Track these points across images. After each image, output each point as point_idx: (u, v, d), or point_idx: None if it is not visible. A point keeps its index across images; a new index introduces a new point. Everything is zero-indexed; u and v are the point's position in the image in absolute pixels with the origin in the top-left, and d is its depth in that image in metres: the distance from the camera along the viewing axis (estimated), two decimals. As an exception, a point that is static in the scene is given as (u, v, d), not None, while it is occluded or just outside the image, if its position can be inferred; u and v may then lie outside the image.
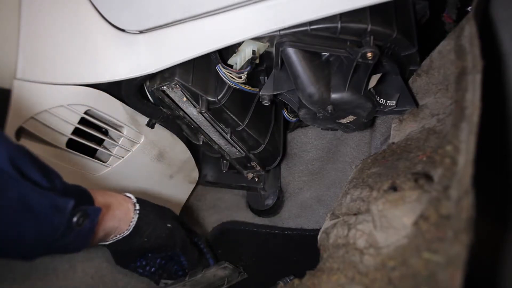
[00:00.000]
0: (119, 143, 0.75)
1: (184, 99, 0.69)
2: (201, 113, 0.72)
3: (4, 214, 0.42)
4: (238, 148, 0.85)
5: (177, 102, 0.71)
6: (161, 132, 0.84)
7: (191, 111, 0.73)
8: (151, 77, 0.68)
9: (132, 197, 0.66)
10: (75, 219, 0.49)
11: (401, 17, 0.64)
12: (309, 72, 0.63)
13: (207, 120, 0.76)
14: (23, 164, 0.45)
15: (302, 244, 0.97)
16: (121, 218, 0.61)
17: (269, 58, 0.67)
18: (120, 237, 0.62)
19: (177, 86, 0.66)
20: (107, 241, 0.62)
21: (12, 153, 0.44)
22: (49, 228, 0.47)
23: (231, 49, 0.65)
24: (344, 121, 0.74)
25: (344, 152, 1.06)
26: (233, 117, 0.76)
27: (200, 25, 0.58)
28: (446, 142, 0.48)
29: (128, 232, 0.62)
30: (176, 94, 0.68)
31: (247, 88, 0.71)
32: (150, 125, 0.79)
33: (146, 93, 0.74)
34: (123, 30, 0.61)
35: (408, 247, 0.43)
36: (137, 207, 0.64)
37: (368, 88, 0.66)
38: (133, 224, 0.62)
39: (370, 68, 0.61)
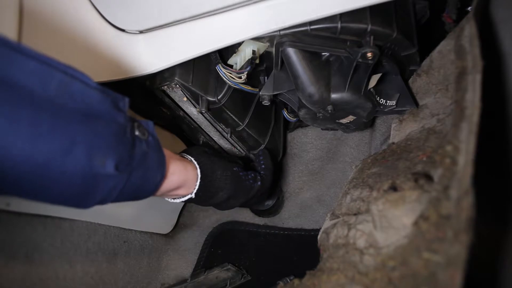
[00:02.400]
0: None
1: (185, 99, 0.69)
2: (201, 113, 0.72)
3: (76, 119, 0.38)
4: (238, 148, 0.85)
5: (177, 102, 0.71)
6: (161, 132, 0.84)
7: (191, 111, 0.73)
8: (151, 77, 0.68)
9: (190, 158, 0.61)
10: (137, 132, 0.45)
11: (401, 17, 0.64)
12: (309, 72, 0.63)
13: (207, 120, 0.76)
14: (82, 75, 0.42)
15: (302, 244, 0.98)
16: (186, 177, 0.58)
17: (269, 58, 0.67)
18: (189, 197, 0.60)
19: (177, 86, 0.66)
20: (175, 199, 0.60)
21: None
22: (117, 127, 0.42)
23: (231, 49, 0.65)
24: (344, 121, 0.74)
25: (344, 152, 1.06)
26: (233, 117, 0.76)
27: (200, 25, 0.58)
28: (446, 142, 0.48)
29: (195, 191, 0.59)
30: (176, 94, 0.68)
31: (247, 88, 0.71)
32: (150, 125, 0.79)
33: (146, 93, 0.74)
34: (123, 30, 0.61)
35: (408, 247, 0.43)
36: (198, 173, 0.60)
37: (368, 88, 0.66)
38: (197, 186, 0.59)
39: (370, 68, 0.61)
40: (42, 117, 0.36)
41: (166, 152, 0.53)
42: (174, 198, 0.60)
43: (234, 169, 0.66)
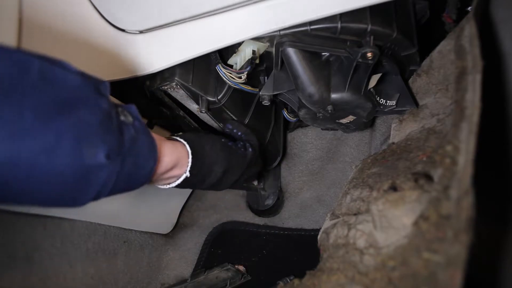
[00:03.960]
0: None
1: (185, 96, 0.69)
2: (201, 113, 0.72)
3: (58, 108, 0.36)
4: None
5: (180, 100, 0.71)
6: (161, 132, 0.84)
7: (194, 107, 0.73)
8: (151, 77, 0.68)
9: (177, 138, 0.59)
10: (122, 117, 0.43)
11: (401, 17, 0.64)
12: (309, 72, 0.63)
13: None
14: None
15: (302, 244, 0.98)
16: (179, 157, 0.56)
17: (269, 58, 0.67)
18: (181, 180, 0.57)
19: (178, 86, 0.66)
20: (170, 183, 0.58)
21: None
22: (102, 113, 0.40)
23: (231, 49, 0.65)
24: (344, 121, 0.74)
25: (344, 152, 1.06)
26: (233, 117, 0.76)
27: (200, 25, 0.58)
28: (446, 142, 0.48)
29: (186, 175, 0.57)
30: (178, 94, 0.69)
31: (247, 88, 0.71)
32: (150, 125, 0.79)
33: (146, 93, 0.74)
34: (123, 30, 0.61)
35: (408, 247, 0.43)
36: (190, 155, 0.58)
37: (368, 88, 0.66)
38: (189, 167, 0.57)
39: (370, 68, 0.61)
40: (22, 111, 0.33)
41: (154, 135, 0.51)
42: (169, 183, 0.58)
43: (222, 140, 0.64)
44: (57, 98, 0.36)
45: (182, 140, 0.58)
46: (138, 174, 0.46)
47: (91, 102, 0.40)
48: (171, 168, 0.55)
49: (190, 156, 0.57)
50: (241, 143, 0.69)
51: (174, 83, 0.65)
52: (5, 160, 0.32)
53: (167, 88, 0.67)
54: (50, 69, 0.37)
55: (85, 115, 0.38)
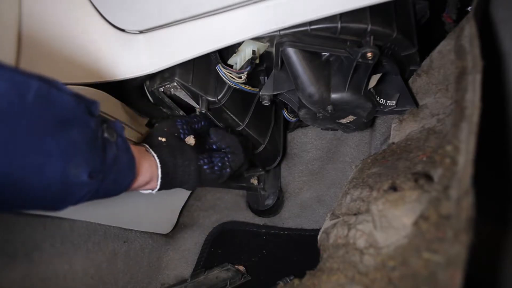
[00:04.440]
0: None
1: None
2: (201, 113, 0.72)
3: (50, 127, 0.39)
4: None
5: (183, 98, 0.71)
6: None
7: (195, 105, 0.73)
8: (151, 77, 0.68)
9: (153, 153, 0.60)
10: (106, 134, 0.46)
11: (401, 17, 0.64)
12: (309, 72, 0.63)
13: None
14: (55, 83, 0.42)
15: (302, 244, 0.98)
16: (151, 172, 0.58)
17: (269, 58, 0.67)
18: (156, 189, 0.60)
19: (178, 86, 0.66)
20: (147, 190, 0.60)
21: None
22: (90, 133, 0.43)
23: (231, 49, 0.65)
24: (344, 121, 0.74)
25: (344, 152, 1.06)
26: (233, 117, 0.76)
27: (200, 25, 0.58)
28: (446, 142, 0.48)
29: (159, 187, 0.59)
30: (181, 93, 0.69)
31: (247, 88, 0.71)
32: (150, 125, 0.79)
33: (146, 93, 0.74)
34: (123, 30, 0.61)
35: (408, 247, 0.43)
36: (159, 165, 0.59)
37: (368, 88, 0.66)
38: (159, 182, 0.59)
39: (370, 68, 0.61)
40: (17, 130, 0.36)
41: (134, 149, 0.54)
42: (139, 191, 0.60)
43: (199, 163, 0.64)
44: (51, 119, 0.39)
45: (156, 159, 0.59)
46: (115, 189, 0.50)
47: (82, 123, 0.43)
48: (144, 184, 0.57)
49: (160, 180, 0.58)
50: (220, 164, 0.67)
51: (174, 83, 0.65)
52: (1, 175, 0.36)
53: (167, 88, 0.67)
54: (47, 91, 0.39)
55: (75, 135, 0.41)
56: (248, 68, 0.65)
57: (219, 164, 0.67)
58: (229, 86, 0.71)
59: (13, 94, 0.36)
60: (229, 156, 0.69)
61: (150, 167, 0.57)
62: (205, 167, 0.65)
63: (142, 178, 0.55)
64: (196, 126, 0.70)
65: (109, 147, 0.46)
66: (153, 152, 0.59)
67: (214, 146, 0.72)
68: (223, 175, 0.68)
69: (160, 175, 0.58)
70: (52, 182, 0.39)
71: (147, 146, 0.60)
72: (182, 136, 0.65)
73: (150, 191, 0.60)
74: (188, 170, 0.62)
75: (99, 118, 0.46)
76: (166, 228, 1.05)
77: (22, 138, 0.37)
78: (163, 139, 0.62)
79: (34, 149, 0.38)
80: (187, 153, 0.63)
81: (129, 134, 0.75)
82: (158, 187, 0.59)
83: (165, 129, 0.65)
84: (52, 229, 0.71)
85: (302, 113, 0.73)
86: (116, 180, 0.48)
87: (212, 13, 0.57)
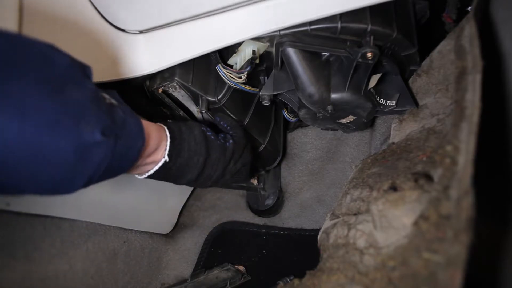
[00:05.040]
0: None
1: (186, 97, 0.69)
2: (201, 113, 0.72)
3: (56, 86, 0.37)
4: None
5: (181, 101, 0.71)
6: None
7: (194, 109, 0.73)
8: (151, 77, 0.68)
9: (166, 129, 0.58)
10: (108, 100, 0.44)
11: (401, 17, 0.64)
12: (309, 72, 0.63)
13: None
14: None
15: (302, 244, 0.98)
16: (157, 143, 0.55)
17: (269, 58, 0.67)
18: (159, 167, 0.56)
19: (178, 86, 0.66)
20: (149, 171, 0.57)
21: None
22: (92, 93, 0.41)
23: (231, 49, 0.65)
24: (344, 121, 0.74)
25: (344, 152, 1.06)
26: (233, 117, 0.76)
27: (200, 25, 0.58)
28: (446, 142, 0.48)
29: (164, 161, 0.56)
30: (180, 93, 0.69)
31: (247, 88, 0.71)
32: (150, 125, 0.79)
33: (146, 93, 0.74)
34: (123, 30, 0.61)
35: (408, 247, 0.43)
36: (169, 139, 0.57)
37: (368, 88, 0.66)
38: (167, 152, 0.56)
39: (370, 68, 0.61)
40: (26, 87, 0.34)
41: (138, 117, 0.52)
42: (148, 171, 0.57)
43: (202, 128, 0.63)
44: (53, 76, 0.38)
45: (162, 125, 0.58)
46: (128, 156, 0.47)
47: (80, 82, 0.41)
48: (153, 151, 0.55)
49: (169, 140, 0.56)
50: (222, 135, 0.67)
51: (174, 83, 0.65)
52: (13, 140, 0.33)
53: (167, 88, 0.67)
54: (46, 49, 0.39)
55: (77, 94, 0.39)
56: (248, 68, 0.65)
57: (222, 135, 0.66)
58: (229, 86, 0.71)
59: (16, 49, 0.35)
60: (231, 132, 0.69)
61: (158, 132, 0.55)
62: (208, 133, 0.63)
63: (151, 143, 0.53)
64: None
65: (115, 110, 0.44)
66: (165, 127, 0.58)
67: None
68: (228, 147, 0.65)
69: (168, 136, 0.56)
70: (66, 142, 0.36)
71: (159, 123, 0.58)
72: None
73: (156, 166, 0.56)
74: (193, 133, 0.61)
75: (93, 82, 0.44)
76: (166, 228, 1.05)
77: (32, 95, 0.34)
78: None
79: (44, 105, 0.35)
80: (189, 122, 0.63)
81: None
82: (167, 150, 0.56)
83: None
84: (52, 229, 0.71)
85: (302, 113, 0.73)
86: (127, 144, 0.46)
87: (212, 13, 0.57)
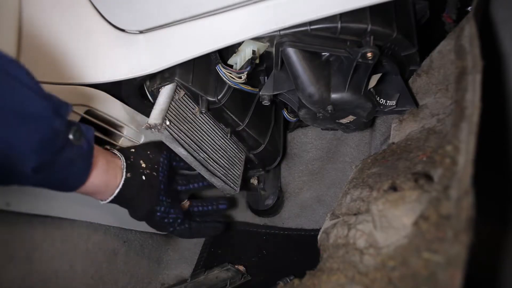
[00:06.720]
0: (119, 143, 0.75)
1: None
2: (201, 113, 0.72)
3: (4, 117, 0.40)
4: (240, 146, 0.85)
5: (168, 144, 0.70)
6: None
7: (180, 151, 0.70)
8: (151, 77, 0.68)
9: (122, 158, 0.62)
10: (70, 135, 0.47)
11: (401, 17, 0.64)
12: (309, 72, 0.63)
13: (207, 122, 0.75)
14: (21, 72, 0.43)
15: (302, 244, 0.98)
16: (110, 178, 0.59)
17: (269, 58, 0.67)
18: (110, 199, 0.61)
19: (178, 86, 0.66)
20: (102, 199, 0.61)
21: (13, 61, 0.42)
22: (50, 132, 0.44)
23: (231, 49, 0.65)
24: (344, 121, 0.74)
25: (344, 152, 1.06)
26: (233, 117, 0.76)
27: (200, 25, 0.58)
28: (446, 142, 0.48)
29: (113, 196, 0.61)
30: (179, 94, 0.69)
31: (247, 88, 0.71)
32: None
33: (146, 93, 0.74)
34: (123, 30, 0.61)
35: (408, 247, 0.43)
36: (124, 174, 0.61)
37: (368, 88, 0.66)
38: (117, 191, 0.60)
39: (370, 68, 0.61)
40: None
41: (101, 156, 0.56)
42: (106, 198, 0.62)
43: (156, 207, 0.67)
44: (9, 109, 0.40)
45: (122, 180, 0.61)
46: (63, 187, 0.52)
47: (42, 121, 0.43)
48: (94, 192, 0.58)
49: (114, 196, 0.60)
50: (173, 218, 0.70)
51: (174, 83, 0.65)
52: None
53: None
54: (12, 84, 0.40)
55: (31, 131, 0.42)
56: (248, 68, 0.65)
57: (173, 216, 0.70)
58: (229, 86, 0.71)
59: None
60: (181, 222, 0.72)
61: (108, 181, 0.58)
62: (158, 214, 0.68)
63: (92, 187, 0.56)
64: (174, 163, 0.74)
65: (69, 148, 0.47)
66: (124, 172, 0.61)
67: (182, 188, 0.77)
68: (168, 227, 0.71)
69: (115, 195, 0.60)
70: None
71: (123, 160, 0.62)
72: (160, 170, 0.68)
73: (100, 200, 0.61)
74: (144, 208, 0.65)
75: (66, 120, 0.47)
76: (166, 228, 1.05)
77: None
78: (143, 164, 0.65)
79: None
80: (154, 194, 0.66)
81: (129, 133, 0.75)
82: (108, 201, 0.61)
83: (148, 153, 0.68)
84: (52, 229, 0.71)
85: (302, 113, 0.73)
86: (62, 180, 0.50)
87: (212, 13, 0.57)
